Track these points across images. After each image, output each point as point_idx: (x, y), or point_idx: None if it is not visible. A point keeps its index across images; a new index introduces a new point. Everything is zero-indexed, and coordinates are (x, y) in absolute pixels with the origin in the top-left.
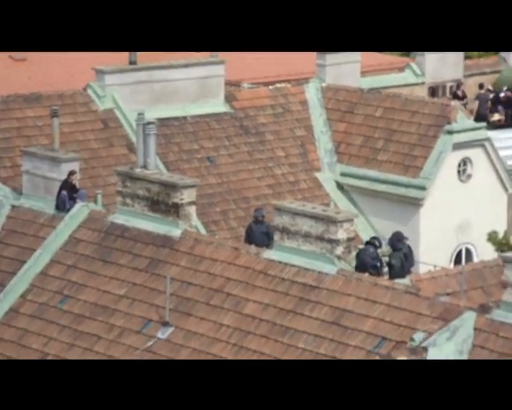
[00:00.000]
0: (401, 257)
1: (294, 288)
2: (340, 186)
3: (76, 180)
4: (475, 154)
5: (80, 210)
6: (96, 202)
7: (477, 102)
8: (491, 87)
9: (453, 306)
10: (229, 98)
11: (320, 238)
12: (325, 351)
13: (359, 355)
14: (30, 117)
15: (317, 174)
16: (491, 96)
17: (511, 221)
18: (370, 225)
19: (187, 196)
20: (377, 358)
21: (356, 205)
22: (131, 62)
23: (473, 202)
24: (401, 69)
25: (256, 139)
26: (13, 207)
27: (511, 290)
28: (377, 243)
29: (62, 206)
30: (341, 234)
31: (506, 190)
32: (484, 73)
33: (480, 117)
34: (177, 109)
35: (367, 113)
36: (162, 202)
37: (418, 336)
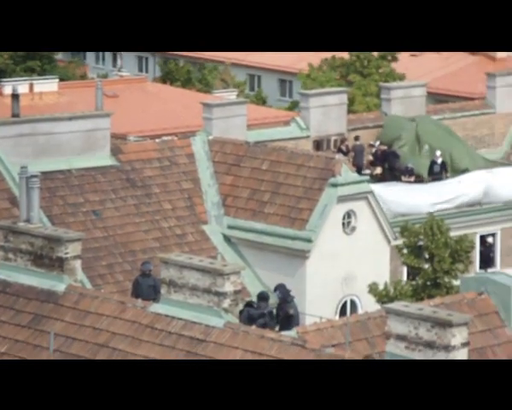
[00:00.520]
0: (296, 307)
1: (181, 341)
2: (227, 239)
3: None
4: (359, 206)
5: None
6: None
7: (352, 154)
8: (373, 142)
9: (338, 357)
10: (115, 151)
11: (207, 291)
12: None
13: None
14: None
15: (204, 227)
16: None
17: (394, 273)
18: (257, 277)
19: (72, 249)
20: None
21: (243, 257)
22: (14, 115)
23: (357, 253)
24: (286, 123)
25: (142, 192)
26: None
27: (394, 341)
28: (255, 305)
29: None
30: (228, 287)
31: (389, 241)
32: (367, 127)
33: (356, 168)
34: (62, 162)
35: (253, 166)
36: (46, 257)
37: None
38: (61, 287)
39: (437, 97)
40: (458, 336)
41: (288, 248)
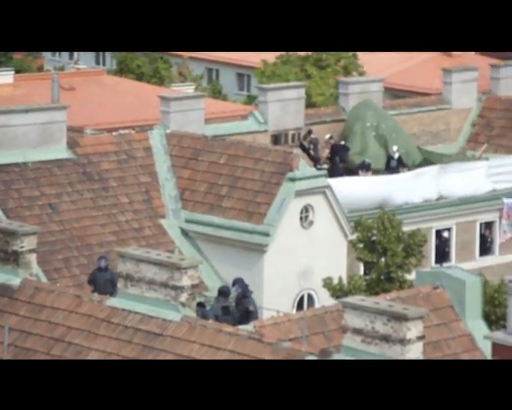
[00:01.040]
0: (255, 303)
1: (138, 335)
2: (184, 233)
3: None
4: (316, 201)
5: None
6: None
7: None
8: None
9: (295, 351)
10: (72, 144)
11: (164, 285)
12: None
13: None
14: None
15: (162, 221)
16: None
17: (351, 267)
18: (215, 271)
19: (27, 243)
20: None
21: (200, 251)
22: None
23: (314, 248)
24: (244, 117)
25: (99, 186)
26: None
27: (350, 335)
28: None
29: None
30: (186, 281)
31: (346, 236)
32: (324, 122)
33: (314, 160)
34: (18, 155)
35: (211, 160)
36: (1, 250)
37: None
38: (16, 281)
39: (394, 93)
40: (414, 330)
41: (245, 242)
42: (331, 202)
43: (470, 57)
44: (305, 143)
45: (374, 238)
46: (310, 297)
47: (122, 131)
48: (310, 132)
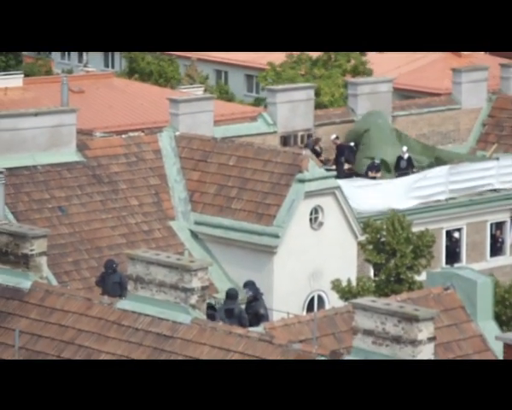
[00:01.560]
0: (265, 306)
1: (148, 338)
2: (194, 235)
3: None
4: (326, 202)
5: None
6: None
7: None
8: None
9: (305, 353)
10: (82, 147)
11: (174, 287)
12: None
13: None
14: None
15: (171, 223)
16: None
17: (361, 268)
18: (225, 273)
19: (37, 246)
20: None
21: (210, 253)
22: None
23: (324, 249)
24: (253, 118)
25: (109, 188)
26: None
27: (361, 336)
28: (214, 306)
29: None
30: (196, 283)
31: (356, 237)
32: (334, 123)
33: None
34: (27, 158)
35: (220, 161)
36: (11, 253)
37: None
38: (26, 284)
39: (403, 93)
40: (425, 331)
41: (255, 243)
42: (341, 203)
43: (480, 57)
44: (317, 148)
45: (383, 239)
46: (320, 299)
47: (131, 134)
48: (317, 141)
